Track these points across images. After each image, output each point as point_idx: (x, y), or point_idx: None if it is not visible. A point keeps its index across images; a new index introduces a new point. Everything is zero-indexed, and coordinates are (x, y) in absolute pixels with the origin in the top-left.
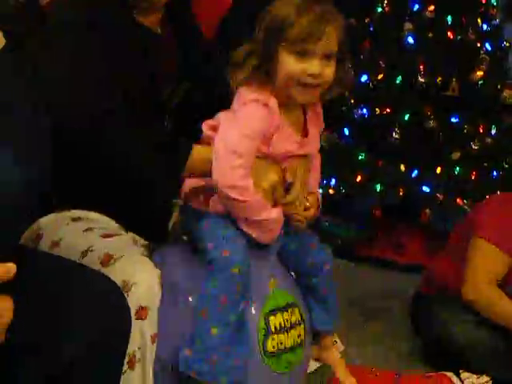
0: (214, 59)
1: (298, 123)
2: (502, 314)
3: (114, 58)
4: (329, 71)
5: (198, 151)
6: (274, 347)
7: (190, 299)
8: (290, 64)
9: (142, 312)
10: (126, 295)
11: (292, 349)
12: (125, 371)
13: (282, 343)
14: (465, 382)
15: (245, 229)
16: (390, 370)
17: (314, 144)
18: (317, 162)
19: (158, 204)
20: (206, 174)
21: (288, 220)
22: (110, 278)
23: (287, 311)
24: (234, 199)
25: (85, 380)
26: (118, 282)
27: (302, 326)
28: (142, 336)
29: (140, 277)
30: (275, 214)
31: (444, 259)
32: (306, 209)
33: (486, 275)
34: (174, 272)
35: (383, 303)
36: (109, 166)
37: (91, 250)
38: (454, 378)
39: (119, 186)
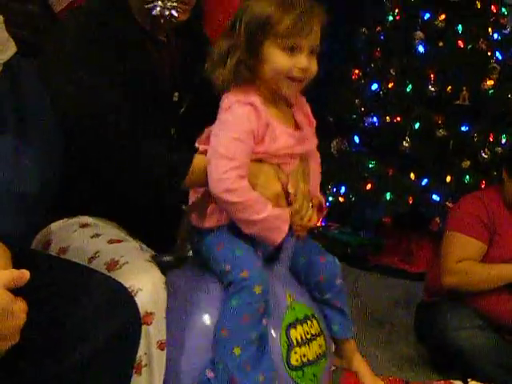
0: None
1: (287, 118)
2: (484, 279)
3: (117, 62)
4: (314, 65)
5: (198, 160)
6: (297, 360)
7: (208, 320)
8: (279, 59)
9: (147, 317)
10: None
11: (315, 361)
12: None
13: (305, 356)
14: None
15: (252, 231)
16: (399, 378)
17: (311, 140)
18: (315, 162)
19: (165, 206)
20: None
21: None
22: (121, 283)
23: (306, 323)
24: (231, 203)
25: (94, 382)
26: None
27: (322, 336)
28: (148, 341)
29: (145, 282)
30: (277, 211)
31: (436, 266)
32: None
33: (455, 257)
34: (187, 293)
35: (392, 311)
36: (113, 168)
37: (97, 256)
38: None
39: (124, 189)
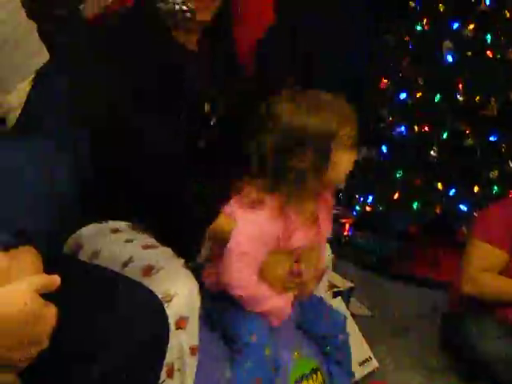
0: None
1: (311, 216)
2: (502, 292)
3: (146, 72)
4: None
5: (220, 221)
6: None
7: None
8: (346, 161)
9: (181, 322)
10: (166, 305)
11: None
12: (163, 381)
13: None
14: None
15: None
16: None
17: (326, 231)
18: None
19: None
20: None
21: None
22: (149, 289)
23: (312, 377)
24: (238, 296)
25: None
26: (159, 292)
27: None
28: (181, 346)
29: (181, 287)
30: (280, 302)
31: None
32: None
33: (478, 266)
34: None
35: (417, 320)
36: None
37: (132, 261)
38: None
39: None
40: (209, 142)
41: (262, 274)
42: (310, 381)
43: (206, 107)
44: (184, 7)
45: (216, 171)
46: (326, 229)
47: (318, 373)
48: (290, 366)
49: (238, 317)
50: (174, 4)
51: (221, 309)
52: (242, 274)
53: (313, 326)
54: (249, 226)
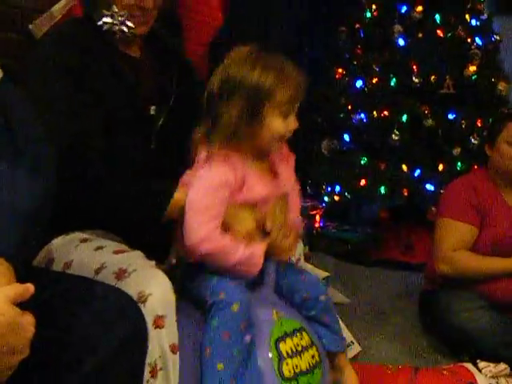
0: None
1: (264, 168)
2: (480, 269)
3: (89, 83)
4: (297, 121)
5: (179, 195)
6: (290, 371)
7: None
8: (278, 126)
9: (159, 321)
10: (142, 306)
11: (309, 371)
12: (147, 381)
13: (297, 366)
14: (482, 371)
15: (228, 272)
16: (408, 366)
17: (288, 182)
18: (295, 194)
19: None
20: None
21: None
22: (123, 291)
23: (296, 336)
24: (204, 253)
25: None
26: (134, 294)
27: (314, 348)
28: (162, 345)
29: (154, 287)
30: (250, 250)
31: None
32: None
33: (450, 245)
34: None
35: (397, 303)
36: (88, 189)
37: (105, 267)
38: (472, 368)
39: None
40: (158, 142)
41: (228, 228)
42: (295, 339)
43: (152, 110)
44: (123, 27)
45: (168, 170)
46: (288, 182)
47: (304, 333)
48: (270, 326)
49: (206, 283)
50: (113, 24)
51: (192, 278)
52: (203, 228)
53: (292, 290)
54: (200, 181)
